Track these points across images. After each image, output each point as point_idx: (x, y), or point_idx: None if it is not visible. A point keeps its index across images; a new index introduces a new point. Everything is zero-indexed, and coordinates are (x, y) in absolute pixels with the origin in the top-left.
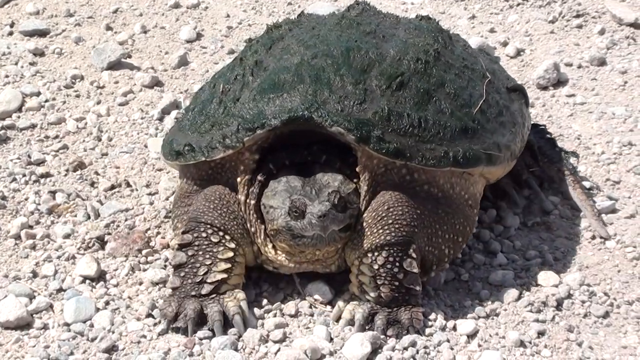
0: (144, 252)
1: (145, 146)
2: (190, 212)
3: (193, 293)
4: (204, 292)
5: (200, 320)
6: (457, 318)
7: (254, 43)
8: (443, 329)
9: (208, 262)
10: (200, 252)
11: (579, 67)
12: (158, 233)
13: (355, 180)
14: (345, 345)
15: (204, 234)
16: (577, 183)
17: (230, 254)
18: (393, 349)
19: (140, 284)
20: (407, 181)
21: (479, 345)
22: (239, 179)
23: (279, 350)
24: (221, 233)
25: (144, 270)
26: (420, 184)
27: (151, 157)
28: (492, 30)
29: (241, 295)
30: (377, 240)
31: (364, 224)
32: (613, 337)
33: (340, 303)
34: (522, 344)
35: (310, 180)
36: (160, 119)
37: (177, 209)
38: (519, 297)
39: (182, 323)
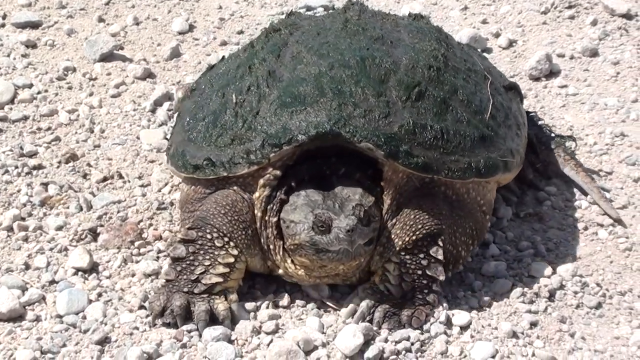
0: (136, 243)
1: (138, 138)
2: (200, 211)
3: (185, 289)
4: (196, 291)
5: (187, 316)
6: (450, 309)
7: (258, 49)
8: (436, 320)
9: (207, 263)
10: (202, 252)
11: (571, 58)
12: (150, 225)
13: (375, 191)
14: (337, 336)
15: (208, 236)
16: (580, 167)
17: (231, 259)
18: (386, 341)
19: (133, 275)
20: (427, 184)
21: (472, 337)
22: (257, 194)
23: (271, 341)
24: (226, 239)
25: (137, 262)
26: (438, 185)
27: (143, 149)
28: (484, 22)
29: (234, 297)
30: (406, 245)
31: (391, 234)
32: (605, 327)
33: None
34: (514, 334)
35: (330, 194)
36: (153, 111)
37: (185, 213)
38: (512, 288)
39: (169, 319)
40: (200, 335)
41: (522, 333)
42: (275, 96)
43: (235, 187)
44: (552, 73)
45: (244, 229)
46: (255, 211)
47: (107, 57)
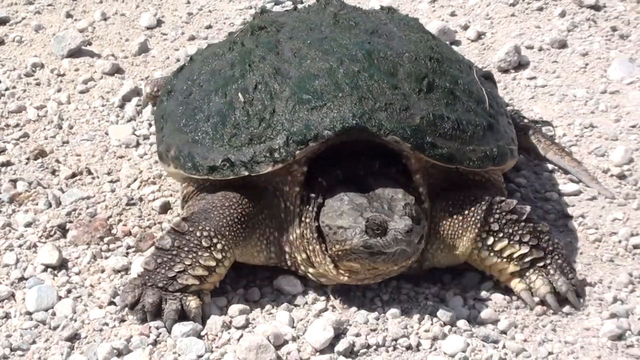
0: (105, 239)
1: (107, 134)
2: (200, 206)
3: (160, 285)
4: (170, 288)
5: (158, 312)
6: (421, 304)
7: (251, 47)
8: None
9: (187, 262)
10: (186, 249)
11: (540, 49)
12: (120, 220)
13: (410, 187)
14: (307, 330)
15: (197, 233)
16: (563, 151)
17: (213, 263)
18: (357, 335)
19: (102, 271)
20: (456, 174)
21: (442, 330)
22: (286, 193)
23: (241, 336)
24: (215, 240)
25: (106, 258)
26: (466, 173)
27: (112, 145)
28: (452, 14)
29: (207, 298)
30: (477, 220)
31: (445, 225)
32: (576, 319)
33: (518, 287)
34: (485, 327)
35: (373, 195)
36: (121, 106)
37: (187, 208)
38: (482, 281)
39: (139, 314)
40: (169, 332)
41: (493, 325)
42: (289, 93)
43: (248, 187)
44: (521, 65)
45: (244, 228)
46: (287, 205)
47: (75, 53)
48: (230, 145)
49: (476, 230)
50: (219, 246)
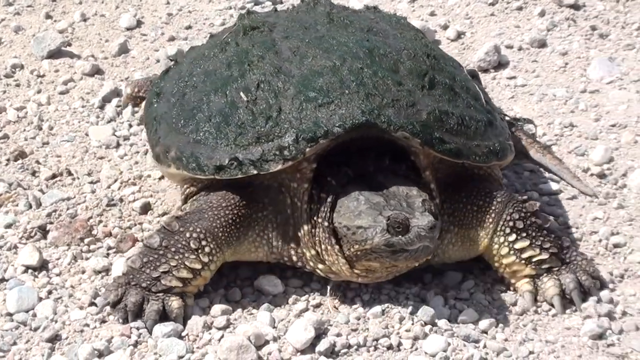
0: (86, 240)
1: (87, 134)
2: (201, 203)
3: (144, 285)
4: (153, 289)
5: (139, 312)
6: (402, 303)
7: (247, 47)
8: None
9: (173, 263)
10: (173, 249)
11: (520, 49)
12: (100, 221)
13: (420, 183)
14: (289, 330)
15: (187, 234)
16: (545, 149)
17: (198, 266)
18: (338, 335)
19: (83, 272)
20: (461, 169)
21: (422, 330)
22: (294, 190)
23: (222, 336)
24: (204, 242)
25: (87, 258)
26: (471, 168)
27: (92, 146)
28: (432, 14)
29: (190, 301)
30: (501, 215)
31: (459, 218)
32: (556, 318)
33: (525, 287)
34: (466, 327)
35: (388, 193)
36: (101, 107)
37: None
38: (462, 280)
39: (120, 312)
40: (150, 332)
41: (474, 325)
42: (294, 91)
43: (250, 186)
44: (501, 64)
45: (239, 228)
46: (295, 201)
47: (54, 54)
48: (236, 144)
49: (499, 223)
50: (207, 249)
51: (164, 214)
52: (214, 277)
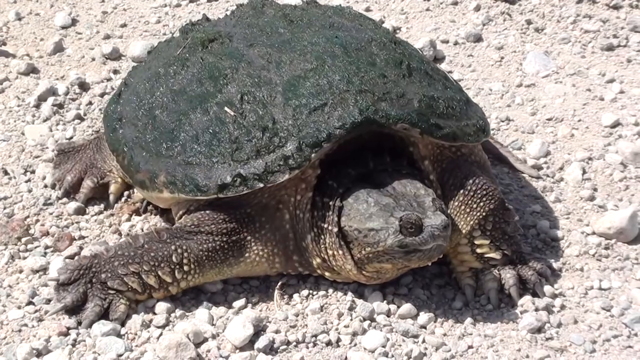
0: (23, 240)
1: (23, 134)
2: (195, 222)
3: (102, 275)
4: (109, 283)
5: (82, 305)
6: (337, 299)
7: (213, 60)
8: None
9: (146, 267)
10: (152, 254)
11: (455, 43)
12: (37, 220)
13: (420, 177)
14: (227, 327)
15: (172, 247)
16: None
17: (169, 279)
18: (276, 332)
19: (21, 272)
20: (460, 155)
21: (361, 325)
22: (295, 202)
23: (161, 334)
24: (185, 261)
25: (24, 258)
26: (467, 154)
27: (28, 145)
28: (367, 9)
29: (134, 305)
30: (481, 214)
31: (456, 207)
32: (495, 312)
33: (466, 281)
34: (405, 322)
35: (395, 194)
36: (37, 106)
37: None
38: (401, 275)
39: (64, 295)
40: (85, 328)
41: (412, 320)
42: (283, 99)
43: (245, 206)
44: (437, 59)
45: (231, 253)
46: (297, 213)
47: None
48: (234, 160)
49: (476, 221)
50: (185, 268)
51: (100, 213)
52: None
